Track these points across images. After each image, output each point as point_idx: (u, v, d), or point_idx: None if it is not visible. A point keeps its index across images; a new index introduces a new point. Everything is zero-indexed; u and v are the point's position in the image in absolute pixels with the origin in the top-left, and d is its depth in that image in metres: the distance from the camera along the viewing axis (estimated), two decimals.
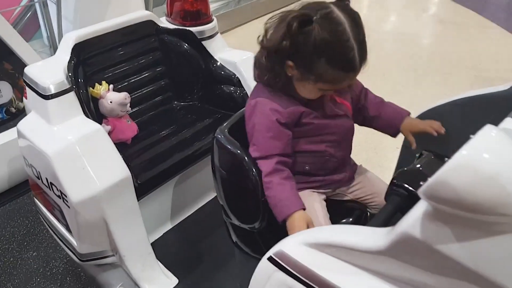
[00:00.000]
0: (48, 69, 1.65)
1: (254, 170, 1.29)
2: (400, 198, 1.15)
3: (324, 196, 1.43)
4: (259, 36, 1.25)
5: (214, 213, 1.91)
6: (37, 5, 3.78)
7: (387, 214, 1.15)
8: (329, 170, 1.41)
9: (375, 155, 2.97)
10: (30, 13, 4.17)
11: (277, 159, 1.27)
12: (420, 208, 0.75)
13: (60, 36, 3.64)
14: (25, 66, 2.53)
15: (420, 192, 0.71)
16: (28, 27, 4.51)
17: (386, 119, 1.46)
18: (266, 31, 1.23)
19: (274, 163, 1.26)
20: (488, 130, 0.66)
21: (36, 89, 1.61)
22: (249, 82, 1.99)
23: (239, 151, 1.32)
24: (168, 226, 1.94)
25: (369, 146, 3.00)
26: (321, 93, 1.26)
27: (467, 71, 4.01)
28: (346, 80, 1.21)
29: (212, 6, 5.04)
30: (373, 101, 1.48)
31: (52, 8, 3.64)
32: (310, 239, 1.00)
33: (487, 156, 0.63)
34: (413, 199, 1.15)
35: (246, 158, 1.30)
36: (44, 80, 1.58)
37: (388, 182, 1.77)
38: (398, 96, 3.57)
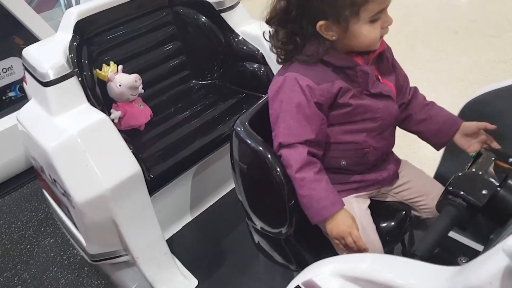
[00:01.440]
0: (48, 51, 1.48)
1: (278, 169, 1.11)
2: (456, 210, 0.97)
3: (368, 202, 1.24)
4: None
5: (237, 203, 1.74)
6: None
7: (442, 229, 0.96)
8: (368, 165, 1.21)
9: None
10: None
11: (307, 149, 1.08)
12: (499, 263, 0.56)
13: (77, 3, 3.51)
14: (38, 40, 2.42)
15: (505, 249, 0.52)
16: None
17: (436, 125, 1.25)
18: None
19: (306, 154, 1.07)
20: None
21: (34, 74, 1.44)
22: (274, 58, 1.77)
23: (261, 148, 1.14)
24: (187, 219, 1.78)
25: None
26: (379, 26, 1.07)
27: None
28: None
29: None
30: (422, 102, 1.28)
31: None
32: (348, 270, 0.82)
33: None
34: (473, 211, 0.96)
35: (269, 155, 1.12)
36: (43, 65, 1.41)
37: (431, 173, 1.58)
38: (439, 64, 3.30)
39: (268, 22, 1.13)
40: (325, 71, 1.10)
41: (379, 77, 1.17)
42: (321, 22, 1.05)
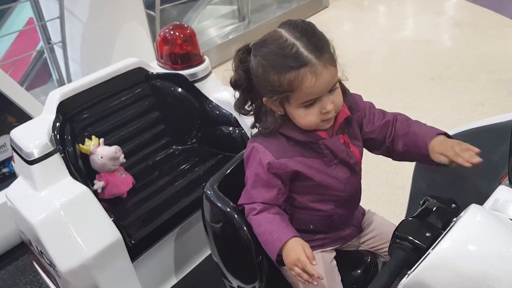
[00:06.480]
0: (33, 132, 1.60)
1: (245, 228, 1.21)
2: (404, 252, 1.04)
3: (333, 254, 1.31)
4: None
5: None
6: (45, 50, 3.85)
7: (392, 270, 1.03)
8: (335, 227, 1.30)
9: (396, 175, 2.82)
10: (43, 57, 4.27)
11: (262, 202, 1.17)
12: None
13: (69, 78, 3.70)
14: (29, 117, 2.56)
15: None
16: (43, 70, 4.61)
17: (413, 138, 1.15)
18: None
19: (261, 203, 1.16)
20: (471, 215, 0.54)
21: (21, 154, 1.55)
22: (246, 121, 1.90)
23: (228, 209, 1.24)
24: (172, 282, 1.83)
25: (389, 167, 2.85)
26: (316, 111, 1.07)
27: (488, 75, 3.81)
28: (307, 78, 1.02)
29: (222, 32, 5.01)
30: (403, 124, 1.21)
31: (59, 52, 3.70)
32: None
33: (469, 251, 0.51)
34: (420, 253, 1.04)
35: (236, 216, 1.22)
36: (28, 145, 1.53)
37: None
38: (417, 110, 3.42)
39: (232, 86, 1.19)
40: (286, 146, 1.15)
41: (349, 143, 1.19)
42: (265, 98, 1.12)
